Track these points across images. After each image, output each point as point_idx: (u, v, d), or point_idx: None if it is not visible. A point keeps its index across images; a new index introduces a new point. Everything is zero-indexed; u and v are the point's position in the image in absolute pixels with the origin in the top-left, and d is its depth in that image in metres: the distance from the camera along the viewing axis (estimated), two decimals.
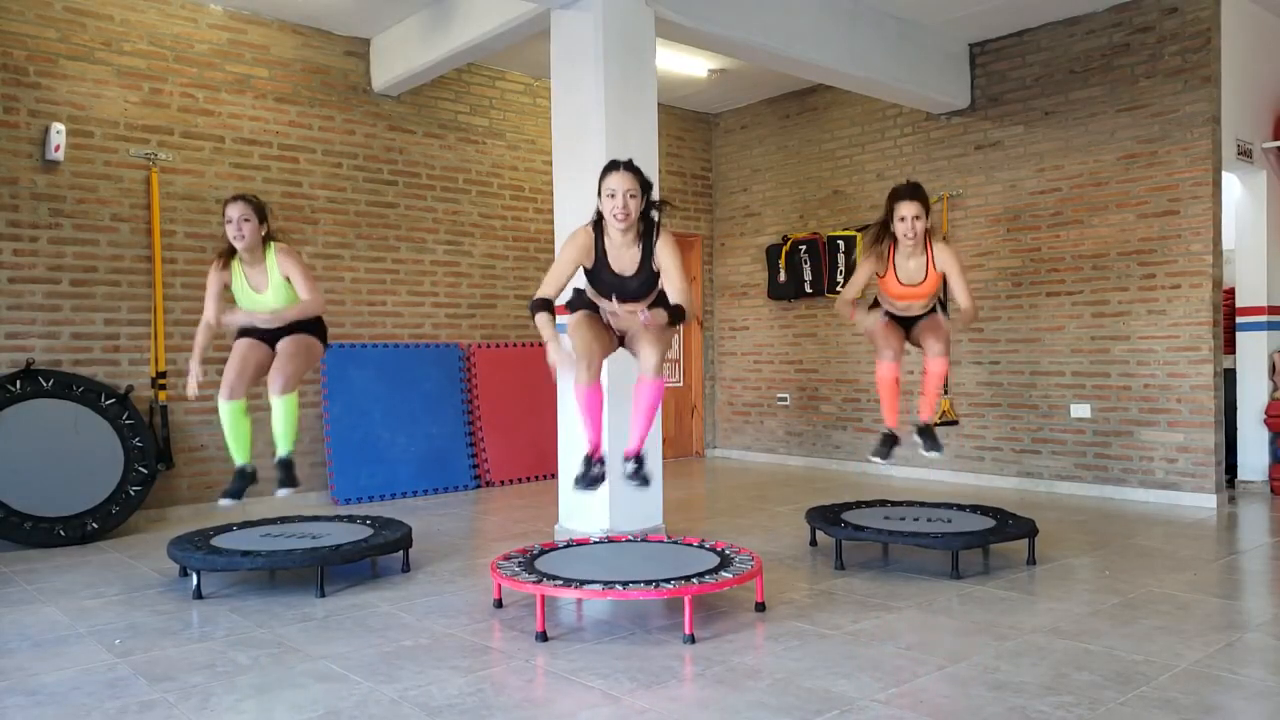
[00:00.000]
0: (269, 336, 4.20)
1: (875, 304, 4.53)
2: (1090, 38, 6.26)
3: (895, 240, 4.28)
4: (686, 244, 8.74)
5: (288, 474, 4.15)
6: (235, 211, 3.99)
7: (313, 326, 4.27)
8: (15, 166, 5.28)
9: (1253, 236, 6.50)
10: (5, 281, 5.25)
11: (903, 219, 4.20)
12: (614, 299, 3.51)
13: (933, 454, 4.49)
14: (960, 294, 4.25)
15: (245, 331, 4.22)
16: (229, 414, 4.12)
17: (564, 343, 3.46)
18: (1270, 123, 6.45)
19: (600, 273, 3.52)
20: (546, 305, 3.43)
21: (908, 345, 4.50)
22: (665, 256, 3.47)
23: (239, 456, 4.18)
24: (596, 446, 3.61)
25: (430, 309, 6.94)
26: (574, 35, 4.93)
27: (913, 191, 4.23)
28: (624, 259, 3.49)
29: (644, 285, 3.52)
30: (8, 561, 4.63)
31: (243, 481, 4.15)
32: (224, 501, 4.11)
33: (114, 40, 5.60)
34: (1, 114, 5.25)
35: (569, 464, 4.99)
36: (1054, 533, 4.95)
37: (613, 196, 3.38)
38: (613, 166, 3.42)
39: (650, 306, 3.51)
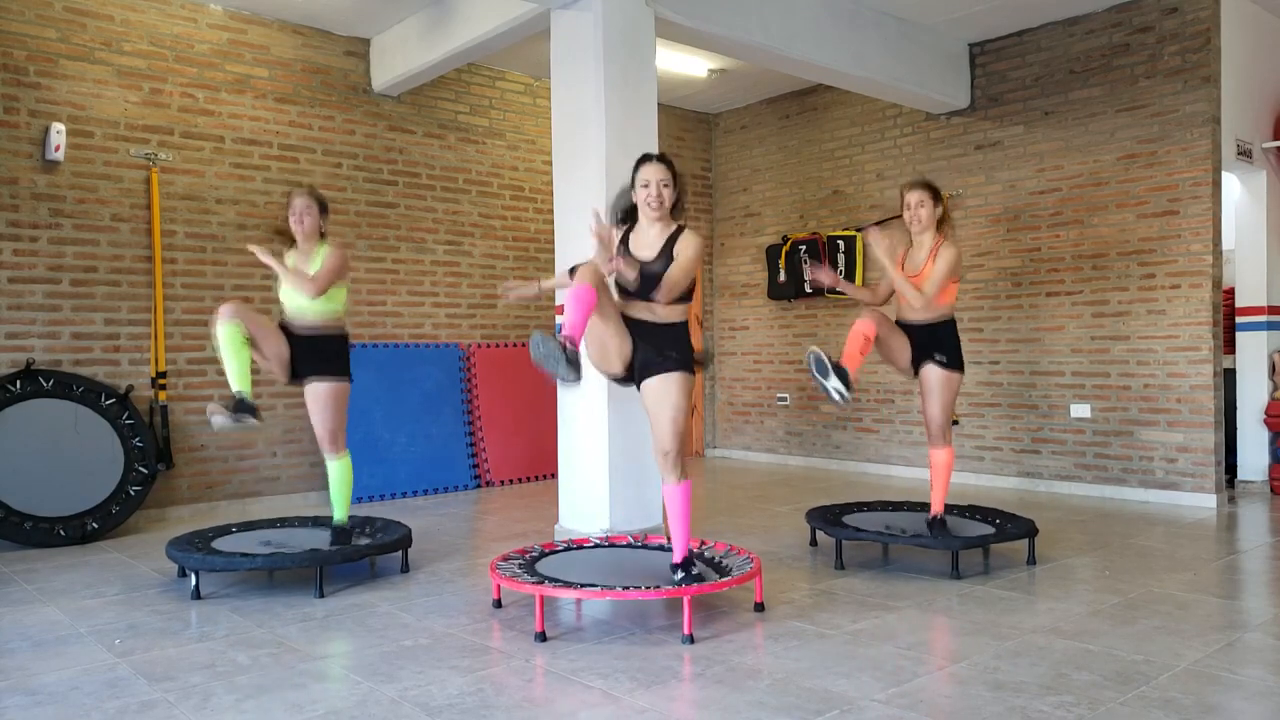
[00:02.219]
0: (296, 344, 4.20)
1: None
2: (1090, 38, 6.26)
3: (907, 237, 4.45)
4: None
5: (342, 540, 4.30)
6: (300, 201, 4.24)
7: (336, 363, 4.27)
8: (15, 166, 5.28)
9: (1253, 236, 6.50)
10: (5, 281, 5.25)
11: (908, 206, 4.35)
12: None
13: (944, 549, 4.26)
14: (926, 278, 4.22)
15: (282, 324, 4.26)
16: (227, 336, 3.92)
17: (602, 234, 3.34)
18: (1270, 123, 6.45)
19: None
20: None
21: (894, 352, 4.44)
22: (688, 246, 3.46)
23: (237, 382, 3.95)
24: (686, 552, 3.51)
25: (430, 309, 6.94)
26: (574, 35, 4.93)
27: (920, 181, 4.41)
28: (648, 244, 3.50)
29: (653, 274, 3.43)
30: (8, 561, 4.63)
31: (242, 408, 3.92)
32: (216, 419, 3.85)
33: (114, 40, 5.60)
34: (1, 114, 5.25)
35: (569, 464, 4.99)
36: (1054, 533, 4.95)
37: (646, 186, 3.49)
38: (645, 159, 3.55)
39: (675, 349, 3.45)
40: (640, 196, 3.51)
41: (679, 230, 3.53)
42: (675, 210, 3.56)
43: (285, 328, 4.23)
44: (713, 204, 8.88)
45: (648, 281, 3.40)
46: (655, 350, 3.40)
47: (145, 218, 5.70)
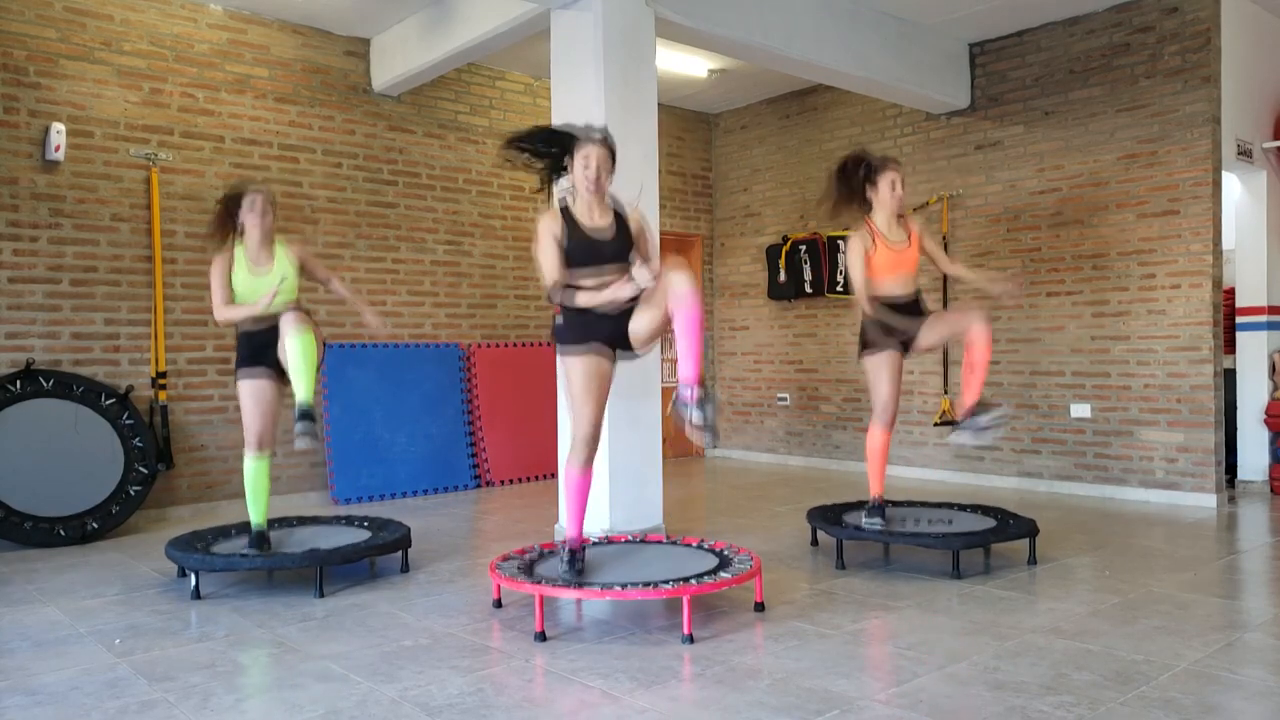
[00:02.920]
0: (267, 357, 4.11)
1: (872, 329, 4.40)
2: (1090, 38, 6.26)
3: (870, 207, 4.45)
4: (687, 244, 8.74)
5: (308, 419, 3.88)
6: (263, 200, 4.17)
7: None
8: (15, 166, 5.28)
9: (1253, 236, 6.49)
10: (5, 281, 5.25)
11: (892, 184, 4.37)
12: (593, 267, 3.50)
13: (986, 438, 4.24)
14: (946, 264, 4.46)
15: (244, 361, 4.13)
16: (255, 470, 4.09)
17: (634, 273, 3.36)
18: (1270, 123, 6.45)
19: (575, 235, 3.50)
20: (564, 283, 3.46)
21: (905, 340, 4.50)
22: (640, 233, 3.60)
23: (258, 517, 4.14)
24: (579, 536, 3.66)
25: (430, 309, 6.94)
26: (574, 35, 4.93)
27: (895, 160, 4.46)
28: (596, 220, 3.54)
29: (620, 250, 3.54)
30: (8, 561, 4.63)
31: (262, 543, 4.10)
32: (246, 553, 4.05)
33: (114, 40, 5.60)
34: (1, 114, 5.25)
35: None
36: (1054, 533, 4.95)
37: (587, 167, 3.48)
38: (589, 138, 3.52)
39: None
40: (579, 174, 3.50)
41: (618, 208, 3.59)
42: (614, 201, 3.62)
43: (248, 330, 4.16)
44: (713, 204, 8.88)
45: (610, 258, 3.50)
46: (626, 315, 3.52)
47: (145, 218, 5.71)
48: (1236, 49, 6.02)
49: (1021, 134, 6.63)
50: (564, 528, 3.61)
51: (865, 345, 4.46)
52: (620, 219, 3.58)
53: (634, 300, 3.47)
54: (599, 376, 3.53)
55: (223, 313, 4.11)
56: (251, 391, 4.12)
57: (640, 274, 3.30)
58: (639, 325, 3.48)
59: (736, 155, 8.66)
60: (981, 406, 4.28)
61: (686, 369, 3.31)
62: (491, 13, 5.46)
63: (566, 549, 3.64)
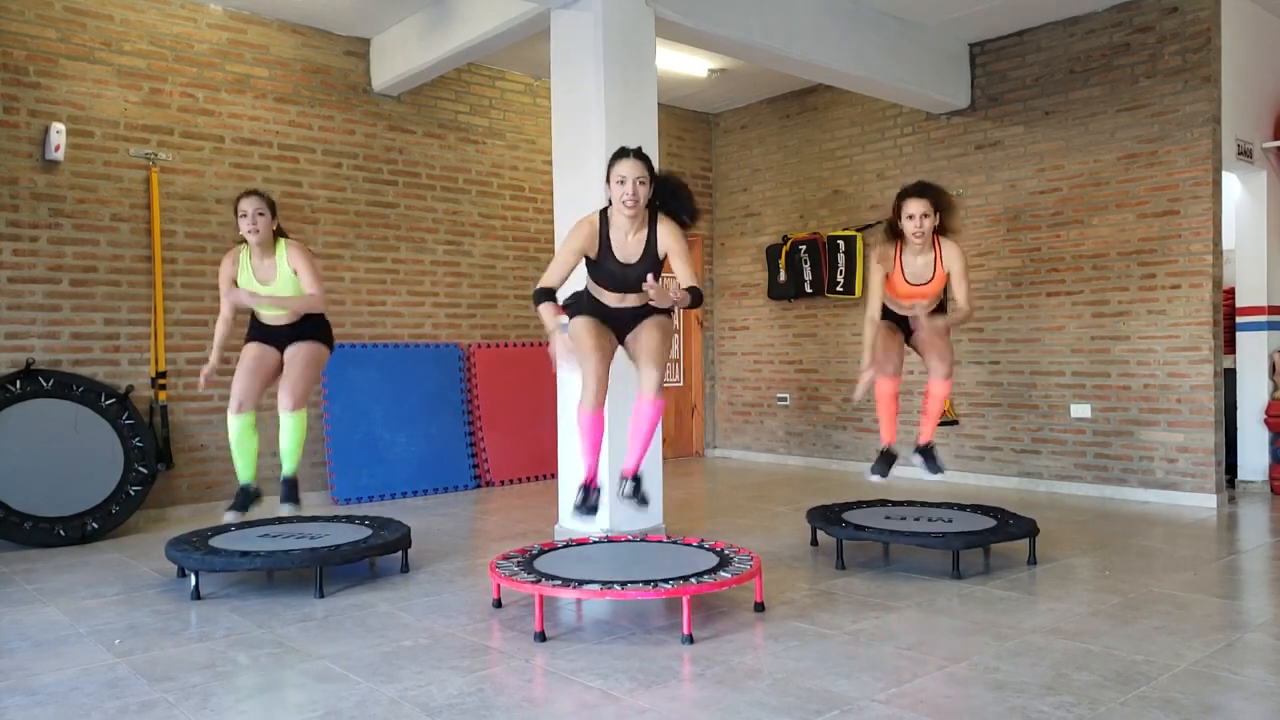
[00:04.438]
0: (277, 340, 4.22)
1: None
2: (1090, 38, 6.26)
3: (903, 239, 4.26)
4: (687, 244, 8.72)
5: (291, 492, 4.24)
6: (250, 206, 4.06)
7: (319, 331, 4.31)
8: (15, 166, 5.28)
9: (1253, 236, 6.49)
10: (5, 281, 5.25)
11: (910, 217, 4.20)
12: (613, 292, 3.55)
13: (935, 475, 4.49)
14: (960, 294, 4.25)
15: (253, 336, 4.24)
16: (237, 428, 4.15)
17: (564, 338, 3.50)
18: (1270, 123, 6.45)
19: (604, 262, 3.52)
20: (550, 295, 3.49)
21: (907, 351, 4.50)
22: (672, 240, 3.51)
23: (244, 474, 4.21)
24: (594, 475, 3.66)
25: (430, 309, 6.94)
26: (574, 35, 4.93)
27: (921, 190, 4.23)
28: (629, 247, 3.51)
29: (645, 275, 3.46)
30: (8, 561, 4.63)
31: (246, 498, 4.19)
32: (229, 515, 4.20)
33: (114, 40, 5.60)
34: (1, 114, 5.25)
35: (569, 464, 4.99)
36: (1054, 533, 4.95)
37: (622, 183, 3.40)
38: (622, 154, 3.46)
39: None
40: (615, 194, 3.43)
41: (654, 224, 3.51)
42: (654, 206, 3.54)
43: (263, 328, 4.23)
44: (713, 204, 8.88)
45: (633, 285, 3.50)
46: (639, 318, 3.59)
47: (145, 218, 5.70)
48: (1236, 49, 6.02)
49: (1021, 134, 6.63)
50: (582, 468, 3.72)
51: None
52: (653, 240, 3.51)
53: (641, 312, 3.56)
54: (600, 332, 3.58)
55: (225, 318, 4.30)
56: (246, 354, 4.20)
57: (661, 291, 3.32)
58: (637, 367, 3.60)
59: (736, 155, 8.66)
60: (928, 452, 4.46)
61: (628, 462, 3.65)
62: (491, 13, 5.46)
63: (580, 487, 3.69)
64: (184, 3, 5.85)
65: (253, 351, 4.20)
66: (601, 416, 3.60)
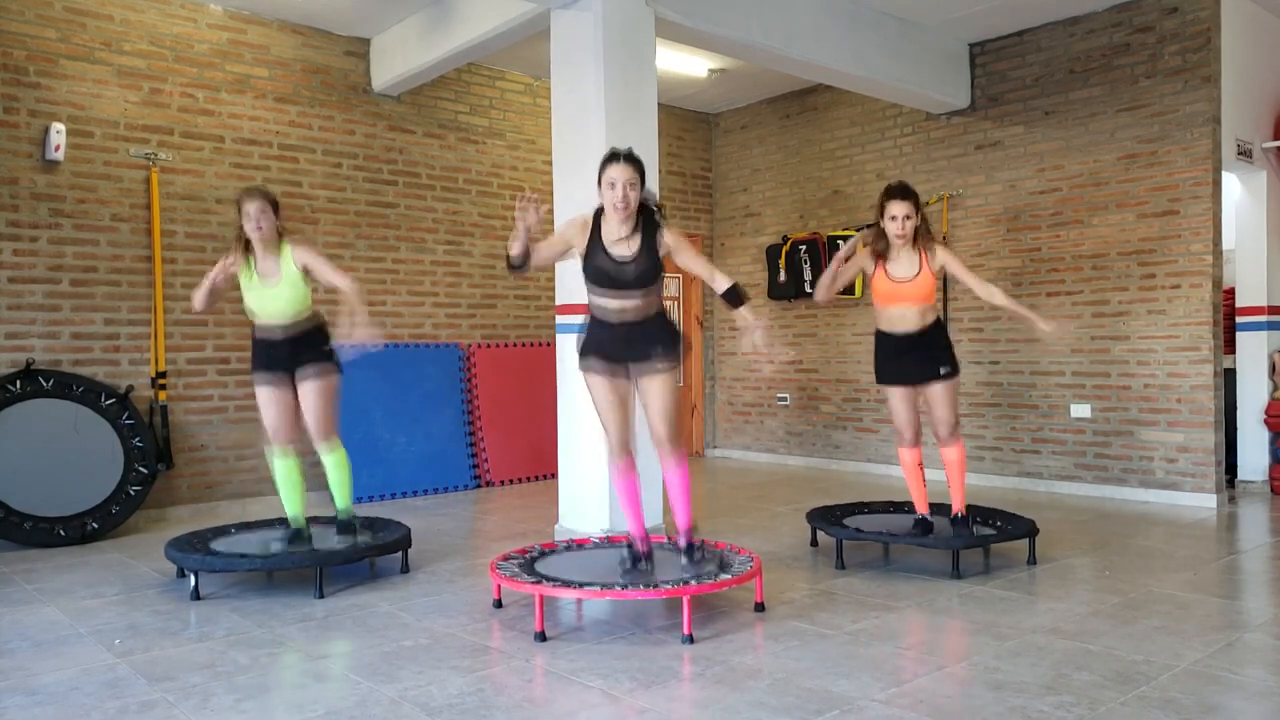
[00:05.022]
0: (281, 358, 4.14)
1: (879, 353, 4.42)
2: (1090, 38, 6.26)
3: (888, 243, 4.27)
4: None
5: (349, 532, 4.32)
6: (254, 205, 4.01)
7: (324, 350, 4.22)
8: (15, 166, 5.28)
9: (1253, 236, 6.50)
10: (5, 281, 5.25)
11: (893, 218, 4.20)
12: (612, 291, 3.50)
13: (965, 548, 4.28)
14: (976, 285, 4.23)
15: (258, 364, 4.16)
16: (282, 471, 4.21)
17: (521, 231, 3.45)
18: (1270, 123, 6.45)
19: (596, 257, 3.48)
20: (520, 255, 3.49)
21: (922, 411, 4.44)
22: (687, 253, 3.54)
23: (292, 512, 4.25)
24: (642, 538, 3.65)
25: (430, 309, 6.94)
26: (574, 35, 4.93)
27: (903, 190, 4.23)
28: (622, 244, 3.48)
29: (643, 274, 3.48)
30: (8, 561, 4.63)
31: (296, 540, 4.20)
32: (275, 546, 4.17)
33: (114, 40, 5.60)
34: (1, 114, 5.25)
35: (569, 464, 4.99)
36: (1054, 533, 4.95)
37: (613, 187, 3.40)
38: (613, 157, 3.44)
39: (661, 340, 3.55)
40: (606, 198, 3.43)
41: (649, 231, 3.48)
42: (648, 209, 3.52)
43: (263, 337, 4.16)
44: (713, 204, 8.88)
45: (630, 283, 3.47)
46: (645, 347, 3.53)
47: (145, 218, 5.70)
48: (1236, 49, 6.02)
49: (1021, 134, 6.63)
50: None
51: (876, 370, 4.48)
52: (649, 241, 3.48)
53: (650, 333, 3.53)
54: (608, 391, 3.57)
55: (195, 296, 4.11)
56: (264, 398, 4.18)
57: (754, 337, 3.50)
58: (646, 413, 3.62)
59: (736, 155, 8.66)
60: (964, 520, 4.36)
61: (680, 528, 3.69)
62: (491, 13, 5.46)
63: (626, 545, 3.70)
64: (184, 3, 5.85)
65: (264, 395, 4.16)
66: (630, 465, 3.64)
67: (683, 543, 3.67)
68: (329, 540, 4.27)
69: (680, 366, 3.60)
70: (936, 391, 4.30)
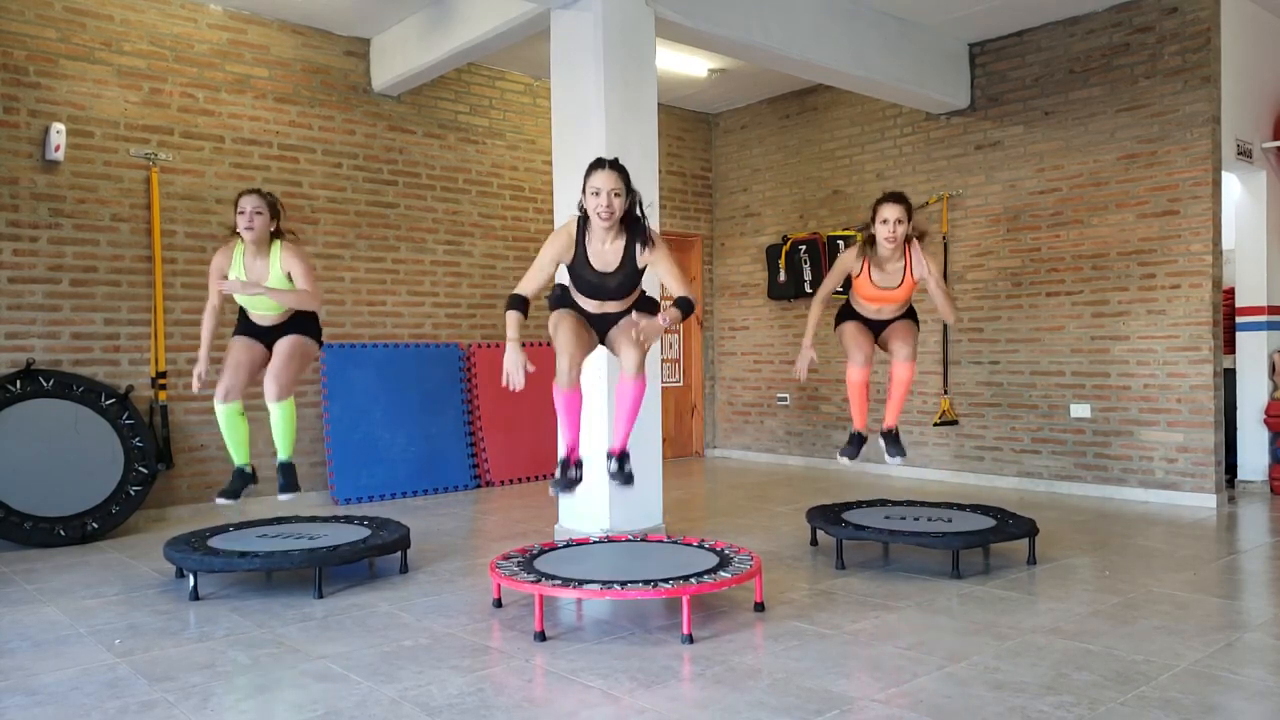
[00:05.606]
0: (265, 335, 4.25)
1: (846, 310, 4.60)
2: (1090, 38, 6.26)
3: (874, 245, 4.35)
4: (687, 244, 8.74)
5: (289, 478, 4.27)
6: (249, 204, 4.08)
7: (308, 326, 4.30)
8: (15, 166, 5.28)
9: (1253, 236, 6.49)
10: (5, 281, 5.25)
11: (884, 221, 4.26)
12: (593, 299, 3.58)
13: (895, 459, 4.50)
14: (942, 306, 4.32)
15: (242, 330, 4.27)
16: (225, 415, 4.21)
17: (519, 356, 3.48)
18: (1270, 123, 6.45)
19: (581, 270, 3.52)
20: (521, 304, 3.51)
21: (877, 349, 4.55)
22: (663, 266, 3.51)
23: (237, 457, 4.27)
24: (574, 449, 3.66)
25: (430, 309, 6.94)
26: (574, 35, 4.93)
27: (895, 196, 4.31)
28: (606, 255, 3.49)
29: (624, 284, 3.54)
30: (8, 561, 4.63)
31: (241, 481, 4.24)
32: (221, 500, 4.22)
33: (114, 40, 5.60)
34: (1, 114, 5.25)
35: None
36: (1054, 533, 4.95)
37: (597, 195, 3.38)
38: (598, 165, 3.42)
39: (634, 307, 3.60)
40: (590, 205, 3.41)
41: (633, 239, 3.47)
42: (633, 216, 3.48)
43: (252, 325, 4.25)
44: (713, 204, 8.88)
45: (612, 294, 3.53)
46: (617, 318, 3.62)
47: (145, 218, 5.70)
48: (1236, 49, 6.02)
49: (1021, 134, 6.63)
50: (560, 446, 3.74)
51: (837, 320, 4.66)
52: (631, 250, 3.47)
53: (616, 314, 3.61)
54: (579, 325, 3.60)
55: (213, 306, 4.33)
56: (233, 346, 4.23)
57: (661, 319, 3.41)
58: (618, 355, 3.61)
59: (736, 155, 8.66)
60: (892, 436, 4.53)
61: (614, 440, 3.69)
62: (491, 13, 5.46)
63: (559, 461, 3.69)
64: (184, 3, 5.85)
65: (239, 344, 4.23)
66: (579, 392, 3.62)
67: (614, 452, 3.66)
68: (281, 498, 4.32)
69: (655, 321, 3.52)
70: (897, 326, 4.44)
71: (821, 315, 4.55)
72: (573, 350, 3.52)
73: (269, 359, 4.21)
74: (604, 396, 4.72)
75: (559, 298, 3.70)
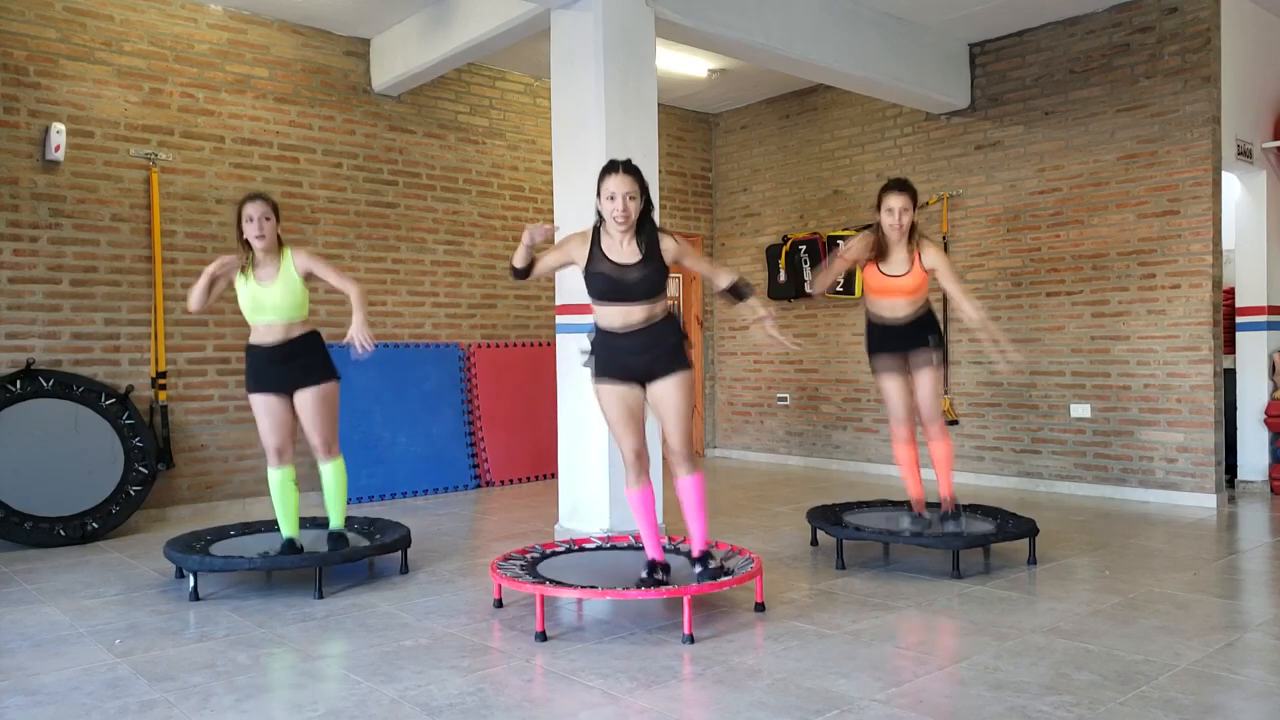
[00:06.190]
0: (275, 378, 4.04)
1: (869, 328, 4.55)
2: (1090, 38, 6.26)
3: (881, 234, 4.37)
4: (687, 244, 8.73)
5: (340, 546, 4.16)
6: (256, 210, 3.93)
7: (322, 363, 4.13)
8: (15, 166, 5.28)
9: (1253, 236, 6.50)
10: (5, 281, 5.25)
11: (890, 210, 4.27)
12: (614, 302, 3.44)
13: (953, 530, 4.40)
14: (956, 294, 4.28)
15: (252, 378, 4.07)
16: (279, 482, 4.10)
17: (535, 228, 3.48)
18: (1270, 123, 6.45)
19: (599, 265, 3.40)
20: (522, 267, 3.51)
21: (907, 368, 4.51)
22: (690, 258, 3.56)
23: (286, 529, 4.13)
24: (656, 553, 3.59)
25: (430, 309, 6.94)
26: (574, 35, 4.93)
27: (900, 185, 4.31)
28: (624, 251, 3.42)
29: (646, 279, 3.40)
30: (8, 561, 4.63)
31: (290, 554, 4.07)
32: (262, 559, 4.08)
33: (114, 40, 5.60)
34: (1, 114, 5.25)
35: (569, 464, 4.99)
36: (1054, 533, 4.95)
37: (612, 199, 3.34)
38: (611, 168, 3.37)
39: (662, 307, 3.52)
40: (605, 209, 3.36)
41: (650, 239, 3.42)
42: (648, 217, 3.45)
43: (255, 346, 4.05)
44: (713, 204, 8.88)
45: (631, 290, 3.39)
46: (655, 354, 3.45)
47: (145, 218, 5.70)
48: (1236, 49, 6.02)
49: (1021, 134, 6.63)
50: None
51: (868, 349, 4.59)
52: (652, 250, 3.41)
53: (659, 340, 3.45)
54: (622, 404, 3.48)
55: (191, 296, 4.02)
56: (259, 408, 4.07)
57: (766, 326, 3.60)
58: (663, 427, 3.58)
59: (736, 155, 8.66)
60: (953, 518, 4.48)
61: (694, 545, 3.61)
62: (491, 13, 5.46)
63: (646, 563, 3.60)
64: (184, 3, 5.85)
65: (260, 404, 4.05)
66: (649, 492, 3.57)
67: (697, 553, 3.59)
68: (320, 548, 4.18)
69: (690, 369, 3.52)
70: (923, 374, 4.40)
71: (837, 266, 4.55)
72: (621, 432, 3.49)
73: (291, 404, 4.07)
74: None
75: (595, 359, 3.53)
